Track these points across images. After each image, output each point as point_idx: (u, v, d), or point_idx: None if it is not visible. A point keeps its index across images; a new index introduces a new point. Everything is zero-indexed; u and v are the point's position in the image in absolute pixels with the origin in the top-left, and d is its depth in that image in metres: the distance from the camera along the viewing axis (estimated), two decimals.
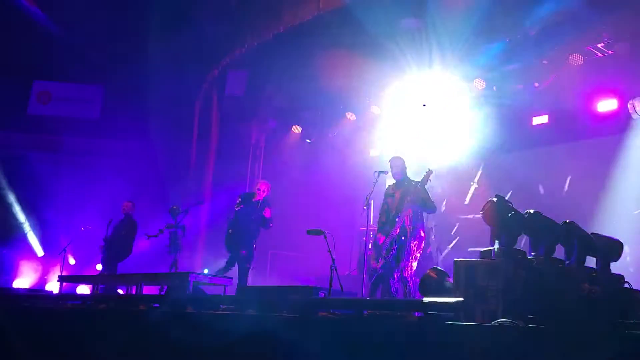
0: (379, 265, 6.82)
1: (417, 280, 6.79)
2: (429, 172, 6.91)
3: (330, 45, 10.37)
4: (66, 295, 8.67)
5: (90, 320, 6.63)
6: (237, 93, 12.11)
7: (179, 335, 5.61)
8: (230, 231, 9.15)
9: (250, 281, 12.21)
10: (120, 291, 9.35)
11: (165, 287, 8.22)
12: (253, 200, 9.19)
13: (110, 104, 13.39)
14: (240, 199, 9.30)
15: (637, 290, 5.25)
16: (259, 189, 9.08)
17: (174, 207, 9.45)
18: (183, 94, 11.57)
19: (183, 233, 9.42)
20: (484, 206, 5.25)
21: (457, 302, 4.89)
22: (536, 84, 10.05)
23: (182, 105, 11.67)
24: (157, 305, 7.27)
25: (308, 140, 12.94)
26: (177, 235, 9.34)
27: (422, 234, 6.85)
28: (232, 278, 7.82)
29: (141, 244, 10.19)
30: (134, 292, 8.15)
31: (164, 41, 10.64)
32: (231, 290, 7.65)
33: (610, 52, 9.21)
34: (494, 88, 10.74)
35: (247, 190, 12.47)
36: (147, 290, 8.59)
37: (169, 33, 10.61)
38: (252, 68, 11.60)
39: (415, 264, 6.81)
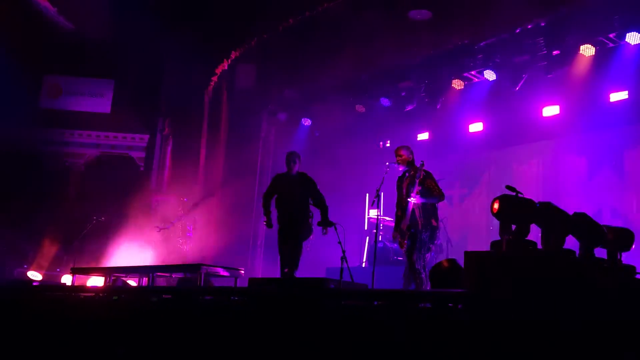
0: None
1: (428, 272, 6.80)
2: (421, 164, 6.91)
3: (339, 37, 10.35)
4: (78, 287, 8.75)
5: (103, 311, 6.69)
6: (246, 86, 12.13)
7: (192, 325, 5.66)
8: None
9: (261, 273, 12.30)
10: (132, 282, 9.43)
11: (177, 278, 8.28)
12: None
13: (121, 99, 13.44)
14: None
15: None
16: None
17: (185, 200, 9.51)
18: (193, 88, 11.60)
19: (193, 226, 9.48)
20: (496, 198, 5.24)
21: (468, 293, 4.90)
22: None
23: (192, 98, 11.70)
24: (168, 296, 7.33)
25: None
26: (187, 227, 9.40)
27: (435, 224, 6.82)
28: (242, 269, 7.86)
29: (153, 236, 10.25)
30: (145, 283, 8.22)
31: (175, 35, 10.66)
32: (242, 282, 7.70)
33: (621, 42, 9.16)
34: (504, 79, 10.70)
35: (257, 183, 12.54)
36: (159, 282, 8.67)
37: (179, 26, 10.63)
38: (261, 61, 11.61)
39: (427, 256, 6.80)
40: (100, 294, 7.52)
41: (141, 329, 6.13)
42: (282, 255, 7.69)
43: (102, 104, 13.63)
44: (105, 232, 10.87)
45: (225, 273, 7.78)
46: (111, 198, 11.42)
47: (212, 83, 11.99)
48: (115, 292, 7.48)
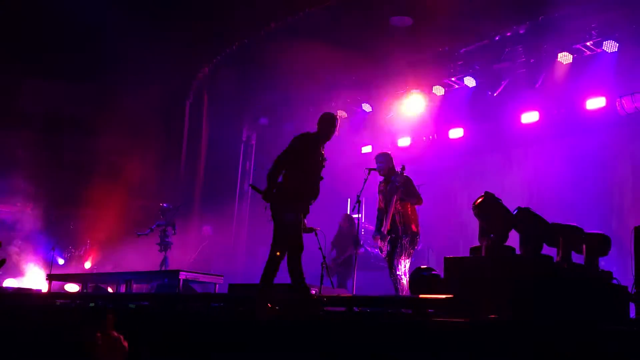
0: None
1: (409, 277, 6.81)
2: (402, 168, 6.96)
3: (321, 42, 10.36)
4: (55, 294, 8.63)
5: (80, 318, 6.60)
6: (228, 90, 12.07)
7: (170, 331, 5.60)
8: None
9: (241, 278, 12.22)
10: (110, 289, 9.31)
11: (155, 284, 8.19)
12: None
13: (100, 103, 13.30)
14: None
15: (625, 286, 5.28)
16: None
17: (164, 206, 9.43)
18: (174, 92, 11.52)
19: (173, 231, 9.39)
20: (475, 201, 5.28)
21: (448, 298, 4.92)
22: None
23: (173, 102, 11.62)
24: (146, 303, 7.26)
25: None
26: (166, 233, 9.31)
27: (415, 230, 6.84)
28: (222, 275, 7.80)
29: (131, 242, 10.14)
30: (122, 290, 8.12)
31: (155, 39, 10.58)
32: (222, 288, 7.64)
33: (598, 50, 9.28)
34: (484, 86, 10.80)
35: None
36: (137, 288, 8.57)
37: (159, 30, 10.56)
38: (243, 65, 11.57)
39: (408, 261, 6.80)
40: (78, 301, 7.42)
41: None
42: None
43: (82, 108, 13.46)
44: (82, 237, 10.75)
45: (205, 279, 7.73)
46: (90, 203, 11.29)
47: (193, 87, 11.92)
48: (92, 299, 7.39)
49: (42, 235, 11.58)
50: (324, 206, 6.59)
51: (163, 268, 9.03)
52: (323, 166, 6.02)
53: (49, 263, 10.28)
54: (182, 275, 7.20)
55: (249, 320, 5.08)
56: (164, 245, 9.27)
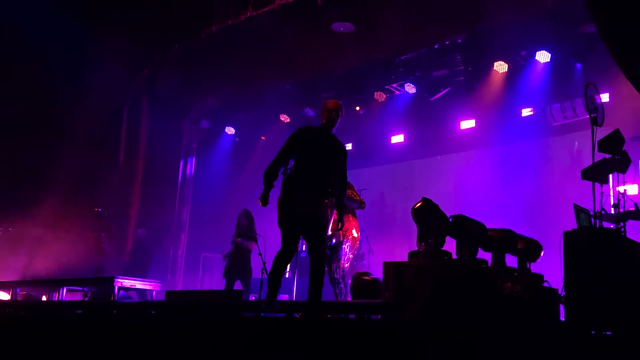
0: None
1: (349, 282, 6.84)
2: None
3: (263, 46, 10.32)
4: None
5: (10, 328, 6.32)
6: (168, 93, 11.85)
7: (105, 339, 5.44)
8: None
9: (181, 285, 12.00)
10: (44, 297, 8.98)
11: (89, 292, 7.95)
12: None
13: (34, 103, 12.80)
14: None
15: (556, 288, 5.46)
16: None
17: (99, 211, 9.17)
18: (111, 94, 11.20)
19: (108, 237, 9.14)
20: (413, 206, 5.36)
21: (386, 303, 4.96)
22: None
23: (110, 105, 11.29)
24: (80, 311, 7.03)
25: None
26: (101, 239, 9.05)
27: (356, 234, 6.86)
28: (159, 282, 7.63)
29: (64, 249, 9.80)
30: (55, 298, 7.84)
31: (91, 38, 10.28)
32: (159, 295, 7.48)
33: (532, 60, 9.61)
34: (424, 93, 11.01)
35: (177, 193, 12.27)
36: (70, 296, 8.29)
37: (96, 30, 10.26)
38: (184, 68, 11.39)
39: (347, 265, 6.83)
40: (8, 310, 7.11)
41: (51, 345, 5.83)
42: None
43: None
44: (12, 243, 10.30)
45: (142, 286, 7.55)
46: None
47: (132, 90, 11.64)
48: (22, 308, 7.09)
49: None
50: (268, 213, 6.52)
51: (98, 275, 8.76)
52: (328, 157, 5.34)
53: None
54: (118, 282, 7.01)
55: (185, 328, 4.98)
56: (99, 252, 9.01)
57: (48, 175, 10.50)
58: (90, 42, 10.16)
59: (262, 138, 12.99)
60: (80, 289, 8.20)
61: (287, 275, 11.25)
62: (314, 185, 5.20)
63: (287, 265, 5.25)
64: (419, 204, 5.27)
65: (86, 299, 8.20)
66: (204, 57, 10.84)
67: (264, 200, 5.36)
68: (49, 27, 9.55)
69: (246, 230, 8.55)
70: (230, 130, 13.35)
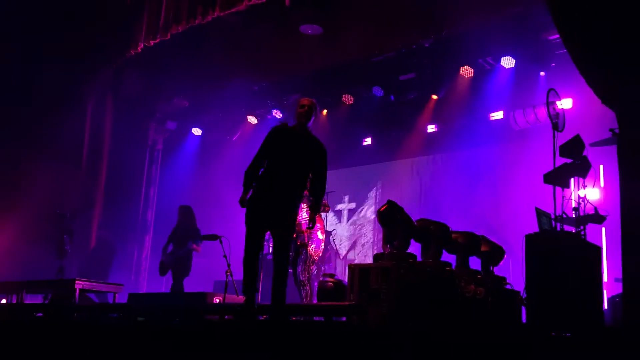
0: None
1: (315, 284, 6.84)
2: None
3: (231, 47, 10.26)
4: None
5: None
6: (133, 93, 11.67)
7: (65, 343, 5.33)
8: None
9: (145, 287, 11.82)
10: (4, 300, 8.75)
11: (50, 295, 7.77)
12: None
13: None
14: None
15: (518, 290, 5.56)
16: None
17: (60, 212, 8.98)
18: (74, 93, 10.97)
19: (70, 239, 8.96)
20: (379, 209, 5.39)
21: (351, 305, 4.97)
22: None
23: (73, 104, 11.05)
24: (40, 314, 6.88)
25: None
26: (63, 241, 8.86)
27: (321, 237, 6.86)
28: (122, 285, 7.50)
29: (24, 250, 9.58)
30: (15, 300, 7.64)
31: (52, 36, 10.05)
32: (121, 297, 7.35)
33: (497, 65, 9.77)
34: (391, 96, 11.09)
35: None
36: (30, 299, 8.09)
37: (58, 27, 10.05)
38: (149, 67, 11.23)
39: (313, 268, 6.82)
40: None
41: (9, 349, 5.69)
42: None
43: None
44: None
45: (104, 288, 7.42)
46: None
47: (96, 89, 11.42)
48: None
49: None
50: (233, 213, 6.47)
51: (59, 277, 8.57)
52: (303, 157, 5.17)
53: None
54: (79, 285, 6.86)
55: (147, 331, 4.91)
56: (60, 254, 8.81)
57: (7, 174, 10.24)
58: (50, 35, 9.91)
59: (232, 138, 12.92)
60: (41, 291, 8.02)
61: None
62: (286, 185, 5.13)
63: (257, 265, 5.14)
64: (385, 207, 5.31)
65: (46, 301, 8.01)
66: (170, 57, 10.71)
67: (242, 203, 5.22)
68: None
69: (190, 229, 8.40)
70: (197, 132, 13.23)
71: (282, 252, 5.06)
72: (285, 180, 5.12)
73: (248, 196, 5.22)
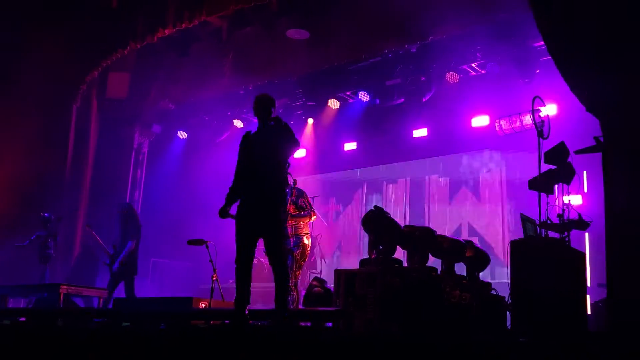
0: None
1: (302, 289, 6.84)
2: (294, 182, 6.94)
3: (216, 50, 10.25)
4: None
5: None
6: (119, 96, 11.61)
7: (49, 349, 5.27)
8: None
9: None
10: None
11: (34, 299, 7.69)
12: None
13: None
14: None
15: (503, 296, 5.60)
16: None
17: (45, 216, 8.89)
18: (59, 95, 10.88)
19: (54, 243, 8.87)
20: (365, 214, 5.40)
21: (337, 310, 4.98)
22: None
23: (58, 107, 10.96)
24: (23, 319, 6.80)
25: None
26: (47, 244, 8.77)
27: (307, 242, 6.87)
28: (106, 290, 7.44)
29: (8, 254, 9.47)
30: None
31: (38, 37, 9.97)
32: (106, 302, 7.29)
33: (483, 71, 9.83)
34: (377, 101, 11.12)
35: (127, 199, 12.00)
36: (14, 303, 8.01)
37: (43, 28, 9.97)
38: (135, 70, 11.19)
39: (299, 273, 6.83)
40: None
41: None
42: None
43: None
44: None
45: (89, 293, 7.35)
46: None
47: (81, 91, 11.33)
48: None
49: None
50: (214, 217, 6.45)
51: (43, 282, 8.48)
52: (269, 148, 5.07)
53: None
54: (63, 289, 6.80)
55: (133, 336, 4.88)
56: (44, 258, 8.72)
57: None
58: (36, 37, 9.82)
59: (217, 141, 12.88)
60: (25, 296, 7.94)
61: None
62: (264, 178, 5.02)
63: (249, 275, 5.05)
64: (371, 212, 5.32)
65: (30, 306, 7.93)
66: (157, 59, 10.68)
67: (221, 214, 5.18)
68: None
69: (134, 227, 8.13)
70: (182, 135, 13.18)
71: (275, 257, 4.97)
72: (262, 175, 5.03)
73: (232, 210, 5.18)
